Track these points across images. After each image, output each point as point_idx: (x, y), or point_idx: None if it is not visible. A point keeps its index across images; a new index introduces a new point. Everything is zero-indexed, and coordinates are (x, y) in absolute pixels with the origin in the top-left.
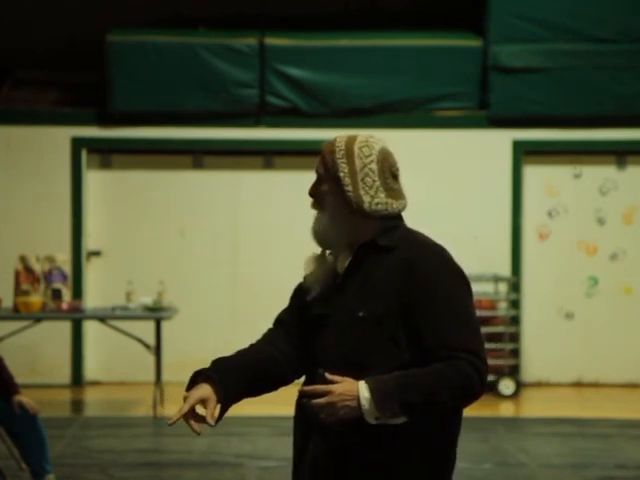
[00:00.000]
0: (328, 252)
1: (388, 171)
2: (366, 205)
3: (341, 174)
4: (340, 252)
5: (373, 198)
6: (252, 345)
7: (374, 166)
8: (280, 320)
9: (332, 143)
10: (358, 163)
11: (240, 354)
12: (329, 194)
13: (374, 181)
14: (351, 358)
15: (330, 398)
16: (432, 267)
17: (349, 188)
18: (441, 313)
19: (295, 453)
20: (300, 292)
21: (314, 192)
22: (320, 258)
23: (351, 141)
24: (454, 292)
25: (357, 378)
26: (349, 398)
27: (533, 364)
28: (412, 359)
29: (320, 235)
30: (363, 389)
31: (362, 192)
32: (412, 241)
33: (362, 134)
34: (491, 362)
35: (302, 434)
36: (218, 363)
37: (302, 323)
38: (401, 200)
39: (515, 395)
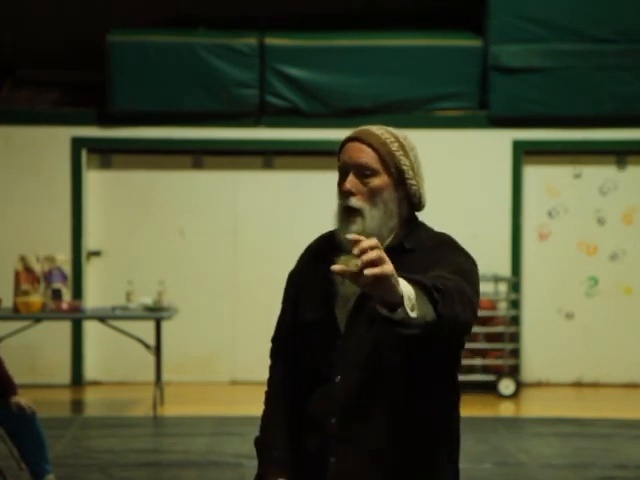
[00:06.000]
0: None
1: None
2: (424, 198)
3: (404, 167)
4: None
5: (425, 191)
6: (284, 413)
7: (419, 159)
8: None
9: (375, 135)
10: (411, 155)
11: (283, 431)
12: (384, 189)
13: (422, 173)
14: (369, 361)
15: (380, 253)
16: (451, 252)
17: (413, 182)
18: (448, 270)
19: (309, 459)
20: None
21: (363, 187)
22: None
23: (394, 133)
24: (467, 269)
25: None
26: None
27: (533, 364)
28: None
29: (370, 234)
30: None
31: (420, 185)
32: (433, 242)
33: (383, 126)
34: (491, 362)
35: (319, 445)
36: (276, 456)
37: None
38: None
39: (515, 395)
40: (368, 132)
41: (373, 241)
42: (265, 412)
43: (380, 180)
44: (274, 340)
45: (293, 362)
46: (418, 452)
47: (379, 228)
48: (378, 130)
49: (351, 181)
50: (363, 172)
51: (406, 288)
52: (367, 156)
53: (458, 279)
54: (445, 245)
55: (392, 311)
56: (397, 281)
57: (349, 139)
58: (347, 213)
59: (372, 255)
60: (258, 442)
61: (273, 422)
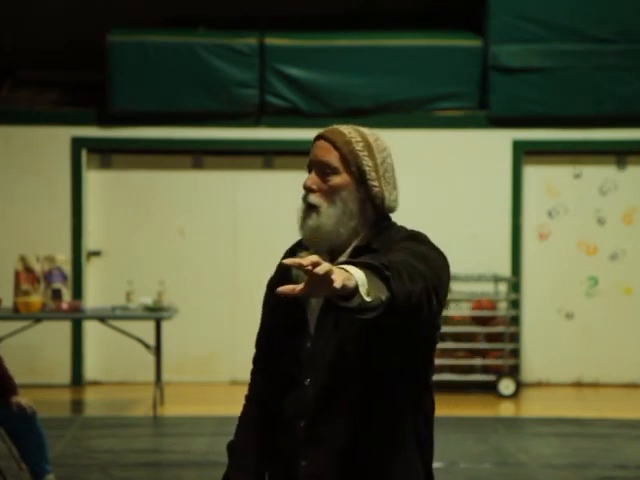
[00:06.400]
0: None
1: (393, 167)
2: (387, 201)
3: (366, 168)
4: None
5: (390, 194)
6: (258, 418)
7: (390, 161)
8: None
9: (341, 133)
10: (378, 157)
11: (255, 436)
12: (344, 188)
13: (391, 176)
14: (338, 363)
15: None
16: (415, 244)
17: (375, 183)
18: (407, 254)
19: (281, 463)
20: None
21: (324, 185)
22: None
23: (364, 133)
24: (432, 257)
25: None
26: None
27: (533, 364)
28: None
29: (326, 231)
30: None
31: (384, 187)
32: (402, 237)
33: (356, 126)
34: (491, 362)
35: (291, 448)
36: (245, 462)
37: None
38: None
39: (515, 395)
40: (334, 131)
41: (313, 257)
42: (241, 416)
43: (340, 179)
44: (255, 345)
45: (271, 367)
46: (387, 453)
47: (336, 226)
48: (345, 129)
49: (311, 178)
50: (324, 170)
51: (358, 274)
52: (329, 154)
53: (410, 258)
54: (412, 238)
55: (350, 300)
56: (347, 272)
57: (317, 137)
58: (306, 210)
59: (310, 269)
60: (230, 446)
61: (246, 427)
